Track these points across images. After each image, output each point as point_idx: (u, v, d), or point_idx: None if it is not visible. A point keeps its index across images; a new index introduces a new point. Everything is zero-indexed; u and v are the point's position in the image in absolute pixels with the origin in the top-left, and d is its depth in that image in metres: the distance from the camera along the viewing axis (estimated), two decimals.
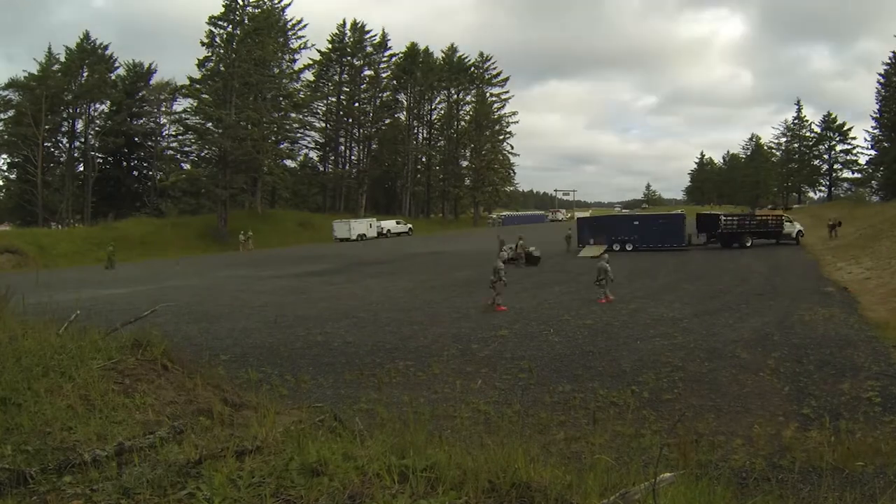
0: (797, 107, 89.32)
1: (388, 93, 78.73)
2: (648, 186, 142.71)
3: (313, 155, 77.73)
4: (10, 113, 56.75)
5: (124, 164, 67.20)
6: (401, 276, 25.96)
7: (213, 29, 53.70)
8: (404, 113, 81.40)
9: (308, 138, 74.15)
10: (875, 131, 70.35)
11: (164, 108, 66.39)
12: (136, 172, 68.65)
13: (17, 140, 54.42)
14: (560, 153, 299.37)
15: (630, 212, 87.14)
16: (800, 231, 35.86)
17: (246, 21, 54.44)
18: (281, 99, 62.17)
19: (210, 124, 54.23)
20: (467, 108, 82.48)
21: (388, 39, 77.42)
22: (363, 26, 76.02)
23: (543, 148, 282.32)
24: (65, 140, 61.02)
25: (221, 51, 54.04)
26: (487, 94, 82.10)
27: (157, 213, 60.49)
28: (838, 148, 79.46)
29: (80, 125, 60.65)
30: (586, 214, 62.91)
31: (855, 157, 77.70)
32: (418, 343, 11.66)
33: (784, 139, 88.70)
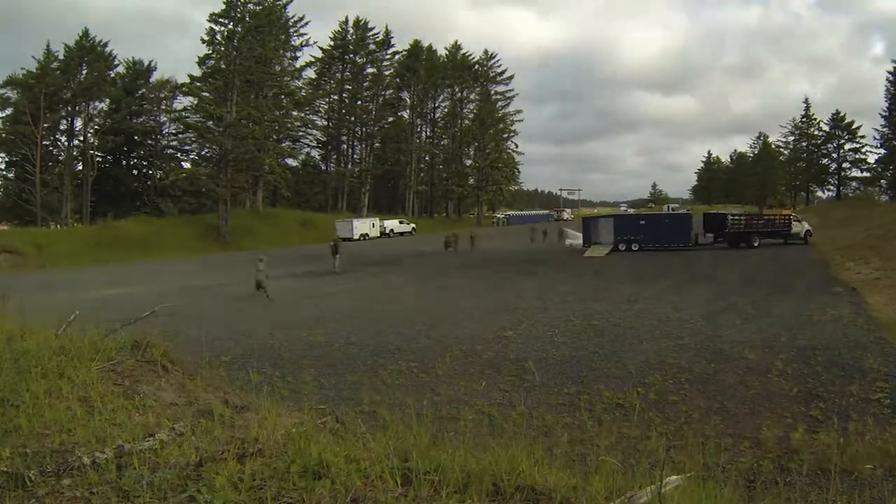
0: (805, 105, 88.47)
1: (390, 91, 78.76)
2: (654, 186, 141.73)
3: (315, 154, 77.89)
4: (9, 111, 56.80)
5: (124, 162, 67.27)
6: (404, 277, 25.94)
7: (213, 26, 53.72)
8: (407, 111, 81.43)
9: (310, 137, 74.25)
10: (884, 129, 69.75)
11: (164, 107, 66.39)
12: (135, 171, 68.70)
13: (16, 138, 54.42)
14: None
15: (636, 211, 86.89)
16: (808, 230, 35.71)
17: (247, 18, 54.38)
18: (282, 97, 62.16)
19: (211, 122, 54.27)
20: (471, 106, 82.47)
21: (392, 37, 77.51)
22: (366, 23, 76.09)
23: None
24: (63, 138, 61.08)
25: (222, 48, 54.03)
26: (492, 93, 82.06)
27: (157, 212, 60.50)
28: (847, 147, 78.66)
29: (79, 123, 60.68)
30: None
31: (864, 156, 77.02)
32: (421, 344, 11.62)
33: (792, 138, 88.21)
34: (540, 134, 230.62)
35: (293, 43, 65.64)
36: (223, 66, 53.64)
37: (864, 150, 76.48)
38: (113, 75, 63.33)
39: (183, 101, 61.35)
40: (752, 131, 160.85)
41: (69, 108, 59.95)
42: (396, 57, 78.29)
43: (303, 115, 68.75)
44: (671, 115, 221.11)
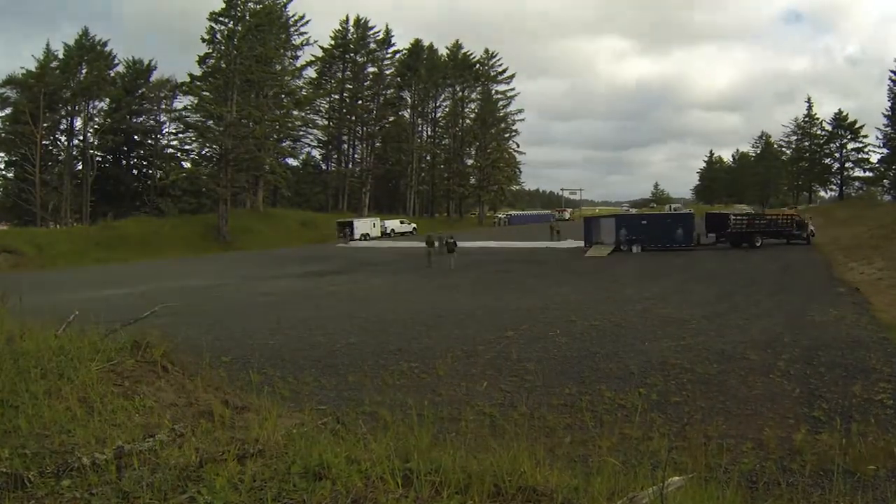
0: (808, 104, 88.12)
1: (391, 90, 78.64)
2: (657, 185, 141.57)
3: (316, 153, 77.86)
4: (8, 110, 56.83)
5: (124, 162, 67.28)
6: (405, 277, 25.94)
7: (213, 25, 53.66)
8: (408, 111, 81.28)
9: (310, 136, 74.14)
10: (887, 129, 69.53)
11: (164, 106, 66.40)
12: (135, 171, 68.70)
13: (15, 138, 54.47)
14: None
15: (638, 211, 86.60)
16: (811, 231, 35.56)
17: (247, 17, 54.33)
18: (283, 96, 62.12)
19: (211, 122, 54.23)
20: (472, 105, 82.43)
21: (392, 36, 77.41)
22: (366, 22, 76.00)
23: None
24: (63, 138, 61.12)
25: (222, 47, 53.97)
26: (493, 92, 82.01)
27: (157, 212, 60.38)
28: (850, 146, 78.33)
29: (78, 123, 60.75)
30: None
31: (867, 156, 76.71)
32: (422, 344, 11.59)
33: (794, 137, 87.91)
34: (598, 143, 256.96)
35: (294, 42, 65.61)
36: (223, 66, 53.58)
37: (866, 149, 76.32)
38: (113, 74, 63.37)
39: (183, 101, 61.42)
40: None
41: (69, 108, 59.98)
42: (397, 56, 78.24)
43: (303, 114, 68.63)
44: (717, 128, 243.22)
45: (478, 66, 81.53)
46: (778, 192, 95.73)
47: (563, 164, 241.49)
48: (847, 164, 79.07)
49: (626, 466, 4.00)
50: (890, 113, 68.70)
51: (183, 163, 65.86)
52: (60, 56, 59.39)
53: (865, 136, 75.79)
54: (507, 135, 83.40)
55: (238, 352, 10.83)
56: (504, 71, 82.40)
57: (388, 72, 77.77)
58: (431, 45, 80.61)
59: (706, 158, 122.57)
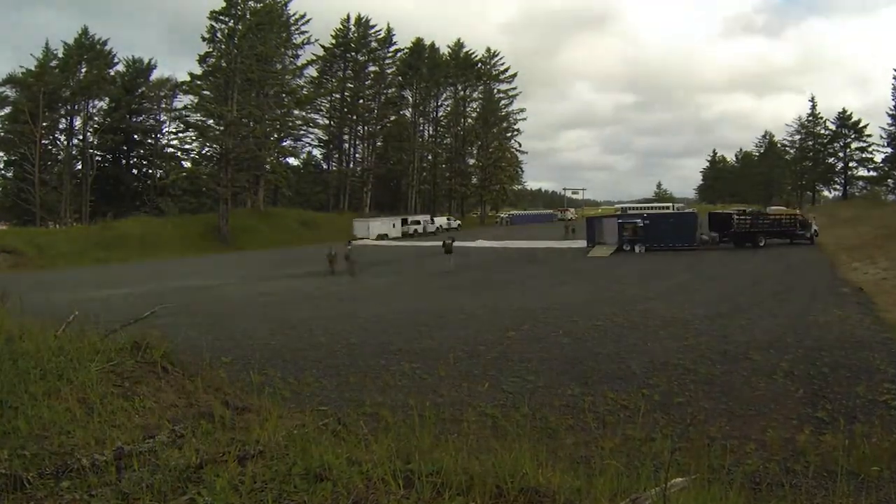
0: (811, 104, 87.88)
1: (393, 89, 78.53)
2: (659, 185, 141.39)
3: (317, 152, 77.86)
4: (8, 110, 56.82)
5: (123, 161, 67.30)
6: (407, 277, 25.93)
7: (214, 24, 53.67)
8: (410, 110, 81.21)
9: (311, 135, 74.15)
10: (891, 128, 69.36)
11: (164, 105, 66.43)
12: (135, 170, 68.73)
13: (15, 137, 54.49)
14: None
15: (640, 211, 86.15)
16: (815, 230, 35.38)
17: (248, 16, 54.35)
18: (284, 95, 62.08)
19: (211, 121, 54.25)
20: (474, 104, 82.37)
21: (394, 34, 77.31)
22: (367, 21, 75.92)
23: None
24: (63, 137, 61.13)
25: (223, 46, 53.98)
26: (495, 91, 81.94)
27: (157, 211, 60.37)
28: (853, 145, 78.16)
29: (78, 122, 60.78)
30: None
31: (870, 155, 76.53)
32: (424, 345, 11.56)
33: (798, 137, 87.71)
34: (655, 152, 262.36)
35: (294, 41, 65.56)
36: (224, 64, 53.60)
37: (870, 149, 76.18)
38: (112, 73, 63.37)
39: (183, 100, 61.44)
40: None
41: (68, 107, 59.98)
42: (399, 55, 78.12)
43: (304, 113, 68.65)
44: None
45: (479, 65, 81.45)
46: (782, 191, 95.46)
47: (611, 168, 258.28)
48: (851, 164, 78.92)
49: (628, 468, 4.00)
50: (894, 112, 68.55)
51: (183, 162, 65.98)
52: (60, 55, 59.42)
53: (869, 136, 75.65)
54: (508, 134, 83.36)
55: (238, 352, 10.80)
56: (506, 70, 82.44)
57: (389, 71, 77.70)
58: (433, 44, 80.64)
59: (709, 158, 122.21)
